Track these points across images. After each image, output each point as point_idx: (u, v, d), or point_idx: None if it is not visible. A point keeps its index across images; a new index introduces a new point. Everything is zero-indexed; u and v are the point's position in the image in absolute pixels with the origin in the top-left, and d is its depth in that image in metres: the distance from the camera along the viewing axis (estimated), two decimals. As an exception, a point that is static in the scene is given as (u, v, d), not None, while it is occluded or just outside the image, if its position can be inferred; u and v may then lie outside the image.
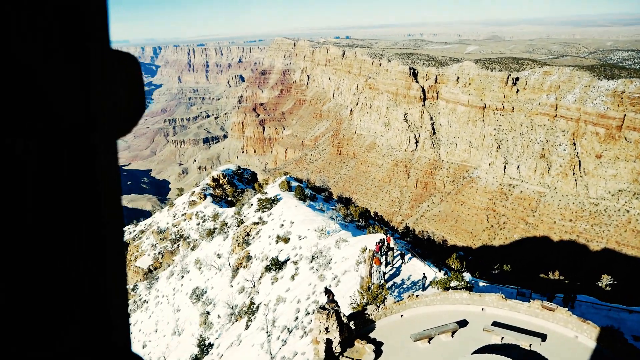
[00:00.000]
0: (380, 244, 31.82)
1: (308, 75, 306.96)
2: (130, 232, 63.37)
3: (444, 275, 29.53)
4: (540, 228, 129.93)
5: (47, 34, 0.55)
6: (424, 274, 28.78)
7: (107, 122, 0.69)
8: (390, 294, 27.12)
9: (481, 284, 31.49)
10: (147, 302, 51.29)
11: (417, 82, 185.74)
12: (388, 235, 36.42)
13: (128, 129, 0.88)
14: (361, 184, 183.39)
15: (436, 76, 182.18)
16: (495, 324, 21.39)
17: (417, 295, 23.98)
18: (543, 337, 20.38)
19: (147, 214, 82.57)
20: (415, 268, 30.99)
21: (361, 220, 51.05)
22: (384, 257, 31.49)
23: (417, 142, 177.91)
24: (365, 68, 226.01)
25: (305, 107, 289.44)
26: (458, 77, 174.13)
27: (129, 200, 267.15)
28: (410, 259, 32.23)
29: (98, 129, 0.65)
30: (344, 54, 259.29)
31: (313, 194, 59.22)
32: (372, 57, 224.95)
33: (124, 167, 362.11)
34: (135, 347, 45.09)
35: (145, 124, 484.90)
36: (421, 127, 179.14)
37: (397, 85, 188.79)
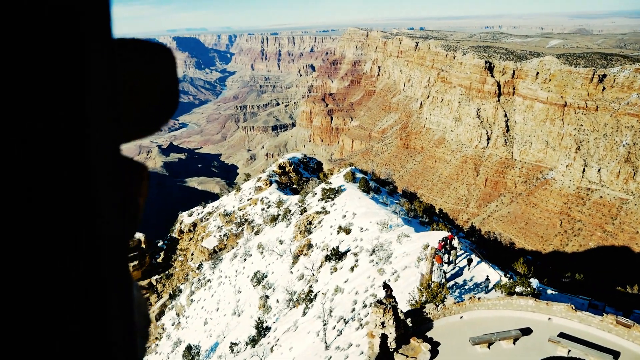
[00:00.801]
0: (443, 242, 31.04)
1: (379, 67, 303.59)
2: (199, 214, 66.22)
3: (509, 279, 28.33)
4: (620, 237, 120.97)
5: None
6: (487, 276, 27.77)
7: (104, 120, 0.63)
8: (451, 294, 26.44)
9: (549, 291, 29.87)
10: (211, 282, 53.48)
11: (492, 76, 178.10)
12: (452, 233, 35.48)
13: (150, 128, 0.82)
14: (427, 180, 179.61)
15: (514, 71, 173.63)
16: (562, 335, 20.25)
17: (478, 298, 23.20)
18: (615, 354, 19.02)
19: (215, 197, 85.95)
20: (478, 269, 29.97)
21: (425, 216, 50.04)
22: (446, 255, 30.72)
23: (488, 139, 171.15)
24: (438, 60, 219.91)
25: (374, 99, 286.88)
26: (537, 73, 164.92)
27: (198, 182, 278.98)
28: (474, 260, 31.19)
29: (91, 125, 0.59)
30: (416, 45, 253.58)
31: (377, 186, 58.81)
32: (446, 49, 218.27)
33: (196, 150, 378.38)
34: (197, 324, 47.29)
35: (218, 109, 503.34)
36: (494, 123, 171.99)
37: (470, 79, 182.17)
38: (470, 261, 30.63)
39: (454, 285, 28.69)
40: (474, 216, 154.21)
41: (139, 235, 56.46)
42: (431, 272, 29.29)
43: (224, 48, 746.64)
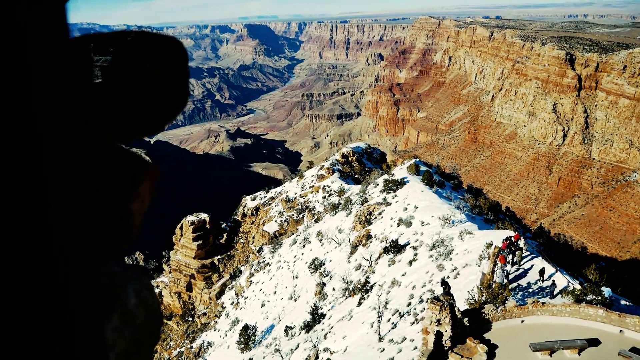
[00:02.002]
0: (508, 242, 29.82)
1: (450, 57, 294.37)
2: (261, 198, 67.95)
3: (578, 285, 26.75)
4: None
5: None
6: (553, 280, 26.38)
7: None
8: (513, 296, 25.40)
9: (623, 302, 27.91)
10: (270, 265, 54.86)
11: (573, 69, 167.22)
12: (518, 233, 33.97)
13: (151, 128, 0.75)
14: (495, 176, 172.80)
15: (597, 63, 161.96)
16: (634, 350, 18.90)
17: (542, 303, 22.12)
18: (695, 376, 17.52)
19: (278, 182, 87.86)
20: (544, 273, 28.54)
21: (490, 213, 48.30)
22: (510, 255, 29.50)
23: (565, 135, 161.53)
24: (513, 51, 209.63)
25: (443, 90, 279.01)
26: (625, 66, 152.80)
27: (263, 168, 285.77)
28: (540, 262, 29.73)
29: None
30: (491, 35, 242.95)
31: (441, 180, 57.46)
32: (523, 39, 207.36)
33: (261, 136, 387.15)
34: (255, 305, 48.78)
35: (285, 97, 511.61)
36: (572, 119, 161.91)
37: (548, 71, 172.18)
38: (536, 264, 29.23)
39: (517, 287, 27.53)
40: (543, 217, 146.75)
41: (203, 216, 58.97)
42: (493, 271, 28.25)
43: (293, 36, 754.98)
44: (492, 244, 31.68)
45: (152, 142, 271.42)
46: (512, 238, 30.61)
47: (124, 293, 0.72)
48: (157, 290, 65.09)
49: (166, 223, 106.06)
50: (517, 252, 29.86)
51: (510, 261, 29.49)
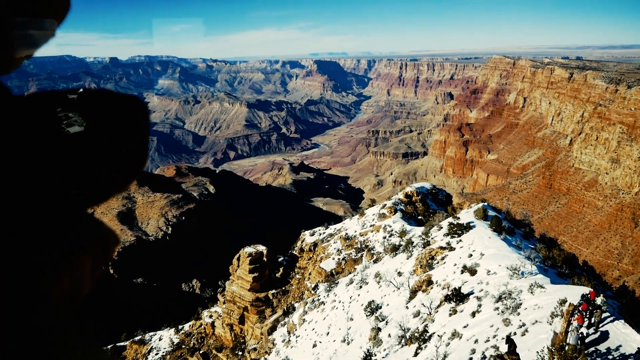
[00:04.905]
0: (585, 299, 26.92)
1: (524, 98, 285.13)
2: (320, 234, 67.28)
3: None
4: None
5: None
6: (638, 348, 23.26)
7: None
8: (589, 363, 22.61)
9: None
10: (324, 304, 53.53)
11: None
12: (596, 290, 30.73)
13: (102, 196, 0.69)
14: (571, 226, 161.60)
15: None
16: None
17: (626, 376, 19.35)
18: None
19: (338, 219, 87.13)
20: (627, 338, 25.32)
21: (565, 267, 44.43)
22: (587, 315, 26.54)
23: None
24: (595, 94, 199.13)
25: (516, 132, 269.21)
26: None
27: (324, 203, 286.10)
28: (623, 325, 26.49)
29: None
30: (571, 76, 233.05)
31: (511, 227, 53.96)
32: (607, 81, 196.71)
33: (324, 171, 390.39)
34: (306, 345, 47.42)
35: (350, 132, 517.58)
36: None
37: (635, 116, 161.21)
38: (617, 327, 26.05)
39: (595, 352, 24.56)
40: (627, 274, 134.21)
41: (261, 248, 59.12)
42: (567, 332, 25.46)
43: (362, 72, 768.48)
44: (567, 301, 28.74)
45: (217, 172, 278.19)
46: (590, 295, 27.65)
47: None
48: (209, 320, 65.45)
49: (225, 252, 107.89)
50: (595, 312, 26.85)
51: (587, 321, 26.54)
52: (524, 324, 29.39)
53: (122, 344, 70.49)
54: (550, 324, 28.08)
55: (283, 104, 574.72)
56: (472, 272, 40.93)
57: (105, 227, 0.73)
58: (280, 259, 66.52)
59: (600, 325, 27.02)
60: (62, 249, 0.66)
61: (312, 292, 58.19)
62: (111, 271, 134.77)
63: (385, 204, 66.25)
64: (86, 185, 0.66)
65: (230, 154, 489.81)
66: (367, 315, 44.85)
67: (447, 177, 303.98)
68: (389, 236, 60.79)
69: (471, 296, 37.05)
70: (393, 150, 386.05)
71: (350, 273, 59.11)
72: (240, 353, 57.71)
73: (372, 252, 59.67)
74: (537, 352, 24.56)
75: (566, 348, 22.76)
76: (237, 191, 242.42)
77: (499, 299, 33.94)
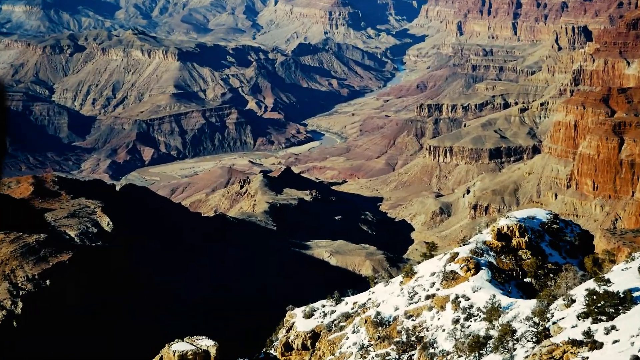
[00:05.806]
0: None
1: None
2: (325, 314, 38.90)
3: None
4: None
5: None
6: None
7: None
8: None
9: None
10: None
11: None
12: None
13: None
14: None
15: None
16: None
17: None
18: None
19: (361, 282, 56.20)
20: None
21: None
22: None
23: None
24: None
25: None
26: None
27: (331, 251, 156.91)
28: None
29: None
30: None
31: None
32: None
33: (332, 185, 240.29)
34: None
35: (384, 108, 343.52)
36: None
37: None
38: None
39: None
40: None
41: (205, 345, 28.97)
42: None
43: None
44: None
45: (117, 187, 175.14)
46: None
47: None
48: None
49: (133, 348, 73.46)
50: None
51: None
52: None
53: None
54: None
55: (250, 51, 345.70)
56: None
57: None
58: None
59: None
60: None
61: None
62: None
63: (457, 253, 39.83)
64: None
65: (145, 151, 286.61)
66: None
67: (583, 196, 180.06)
68: (466, 317, 36.40)
69: None
70: (471, 144, 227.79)
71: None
72: None
73: (432, 349, 34.20)
74: None
75: None
76: (158, 227, 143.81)
77: None
